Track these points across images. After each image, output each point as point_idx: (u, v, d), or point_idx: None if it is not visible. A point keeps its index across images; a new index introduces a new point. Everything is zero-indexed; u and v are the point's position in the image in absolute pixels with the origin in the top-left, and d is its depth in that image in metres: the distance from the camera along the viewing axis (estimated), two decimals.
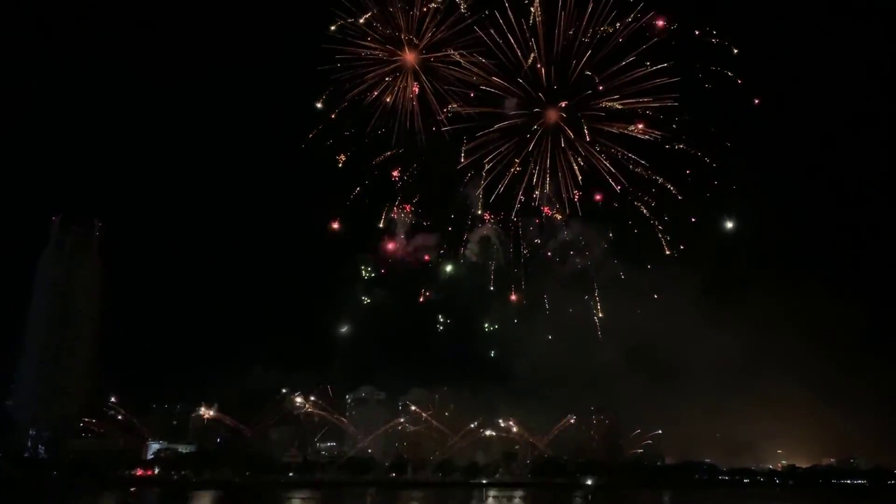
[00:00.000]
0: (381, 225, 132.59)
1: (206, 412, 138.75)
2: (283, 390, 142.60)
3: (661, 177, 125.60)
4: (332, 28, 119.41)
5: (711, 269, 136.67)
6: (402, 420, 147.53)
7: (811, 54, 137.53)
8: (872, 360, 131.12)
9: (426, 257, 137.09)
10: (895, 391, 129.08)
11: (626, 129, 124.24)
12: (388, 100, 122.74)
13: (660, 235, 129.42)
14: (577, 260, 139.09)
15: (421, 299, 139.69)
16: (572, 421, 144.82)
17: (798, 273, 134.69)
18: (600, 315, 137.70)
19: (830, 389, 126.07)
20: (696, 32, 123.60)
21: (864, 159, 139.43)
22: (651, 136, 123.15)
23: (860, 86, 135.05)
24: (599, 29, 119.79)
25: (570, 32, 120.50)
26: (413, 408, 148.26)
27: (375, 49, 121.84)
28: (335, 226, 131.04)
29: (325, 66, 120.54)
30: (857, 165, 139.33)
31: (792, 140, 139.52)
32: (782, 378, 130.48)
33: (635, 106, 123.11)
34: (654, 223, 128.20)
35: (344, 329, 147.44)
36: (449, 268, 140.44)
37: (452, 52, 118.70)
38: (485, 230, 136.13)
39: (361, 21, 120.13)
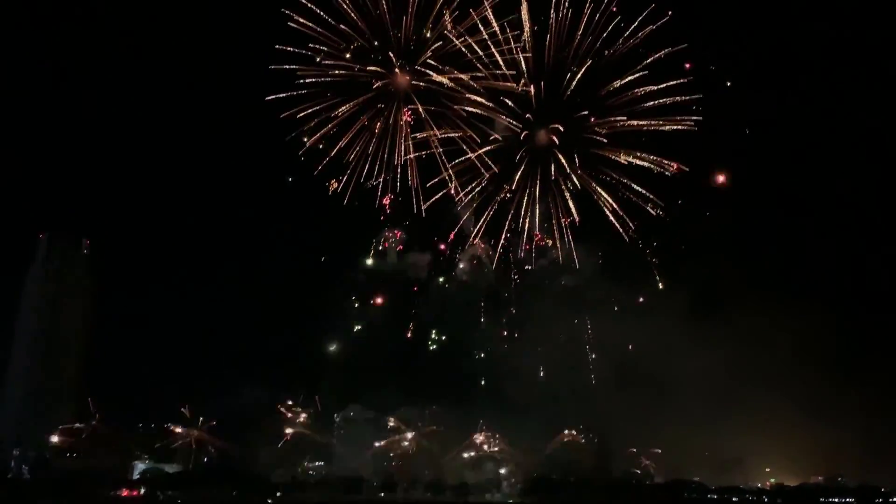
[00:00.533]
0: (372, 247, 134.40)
1: (194, 431, 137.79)
2: (273, 409, 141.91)
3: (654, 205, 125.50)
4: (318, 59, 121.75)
5: (698, 286, 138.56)
6: (392, 439, 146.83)
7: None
8: (858, 376, 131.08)
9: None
10: (880, 408, 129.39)
11: (625, 156, 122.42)
12: (378, 125, 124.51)
13: (649, 258, 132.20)
14: (567, 278, 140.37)
15: (409, 334, 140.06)
16: (566, 439, 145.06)
17: (784, 289, 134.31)
18: (589, 333, 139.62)
19: (817, 406, 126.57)
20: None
21: (851, 180, 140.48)
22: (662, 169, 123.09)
23: (855, 112, 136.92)
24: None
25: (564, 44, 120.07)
26: (402, 426, 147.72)
27: (362, 74, 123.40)
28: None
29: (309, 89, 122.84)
30: (843, 185, 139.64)
31: (777, 157, 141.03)
32: (770, 395, 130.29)
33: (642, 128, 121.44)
34: (642, 247, 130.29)
35: (333, 348, 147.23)
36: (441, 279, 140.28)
37: (445, 76, 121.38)
38: (476, 250, 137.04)
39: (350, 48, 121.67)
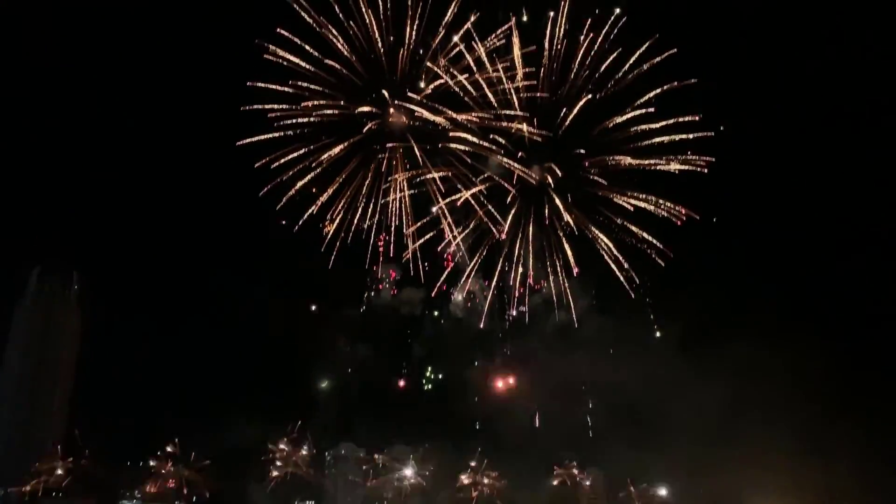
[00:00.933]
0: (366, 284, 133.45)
1: (185, 471, 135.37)
2: (263, 447, 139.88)
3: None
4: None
5: (692, 319, 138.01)
6: (385, 478, 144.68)
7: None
8: (853, 410, 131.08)
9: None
10: (874, 441, 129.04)
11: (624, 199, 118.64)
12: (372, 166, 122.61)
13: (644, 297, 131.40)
14: (562, 317, 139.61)
15: (402, 383, 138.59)
16: (562, 476, 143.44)
17: (777, 322, 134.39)
18: (585, 370, 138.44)
19: (813, 439, 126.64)
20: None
21: (845, 214, 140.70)
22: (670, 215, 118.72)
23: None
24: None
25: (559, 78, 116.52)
26: (396, 464, 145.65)
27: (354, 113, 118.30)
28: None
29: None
30: (839, 218, 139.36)
31: (774, 192, 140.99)
32: (766, 429, 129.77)
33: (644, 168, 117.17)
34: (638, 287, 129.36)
35: (324, 385, 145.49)
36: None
37: (440, 116, 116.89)
38: (470, 286, 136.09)
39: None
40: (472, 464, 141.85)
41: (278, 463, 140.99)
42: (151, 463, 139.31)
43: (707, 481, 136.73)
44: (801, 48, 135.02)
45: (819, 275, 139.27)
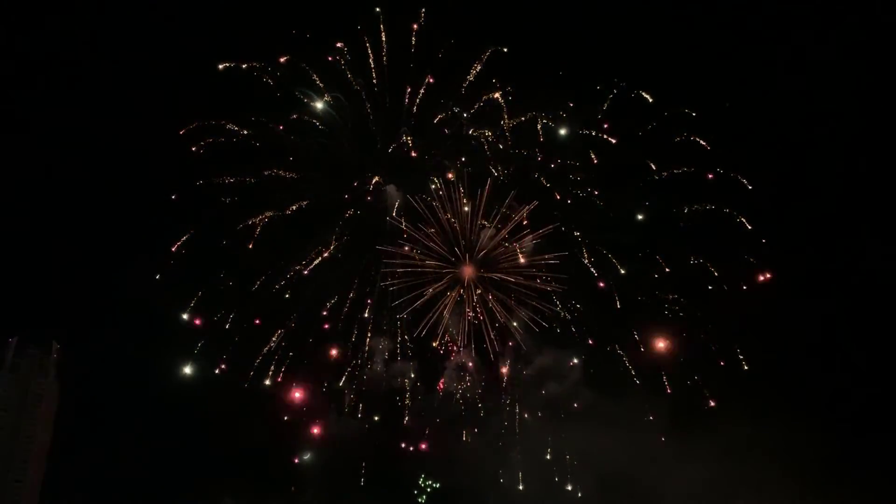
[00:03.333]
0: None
1: None
2: None
3: None
4: None
5: (679, 394, 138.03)
6: None
7: None
8: (841, 487, 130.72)
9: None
10: None
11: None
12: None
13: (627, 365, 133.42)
14: (548, 387, 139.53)
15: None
16: None
17: (764, 398, 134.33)
18: (572, 443, 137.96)
19: None
20: None
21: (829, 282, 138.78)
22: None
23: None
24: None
25: None
26: None
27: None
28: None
29: None
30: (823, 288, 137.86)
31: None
32: None
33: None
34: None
35: (307, 457, 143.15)
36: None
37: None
38: (461, 359, 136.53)
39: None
40: None
41: None
42: None
43: None
44: None
45: (806, 351, 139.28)
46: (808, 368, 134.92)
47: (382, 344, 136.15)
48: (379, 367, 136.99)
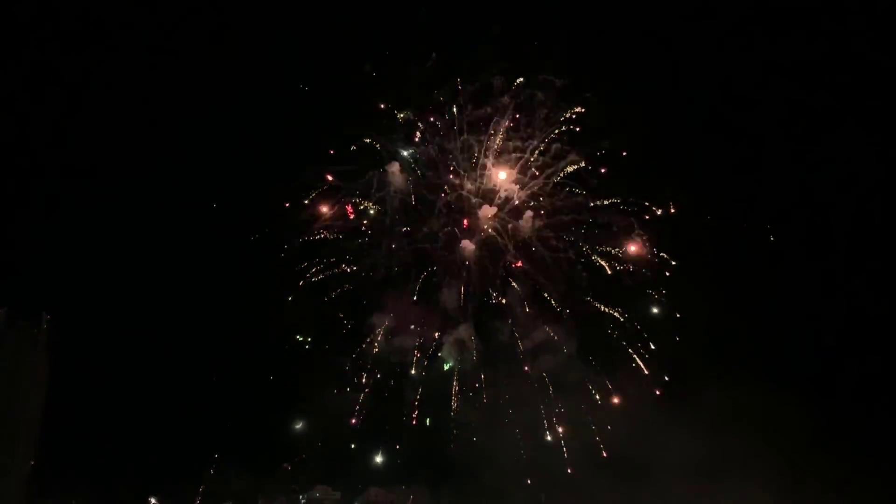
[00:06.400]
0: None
1: None
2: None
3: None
4: None
5: (668, 368, 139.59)
6: None
7: None
8: (828, 459, 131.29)
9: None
10: (849, 490, 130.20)
11: None
12: None
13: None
14: (543, 360, 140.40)
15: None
16: None
17: (750, 371, 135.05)
18: (564, 416, 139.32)
19: (789, 490, 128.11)
20: None
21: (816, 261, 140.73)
22: None
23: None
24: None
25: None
26: None
27: None
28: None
29: None
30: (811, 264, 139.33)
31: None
32: (743, 481, 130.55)
33: None
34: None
35: (299, 426, 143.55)
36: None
37: None
38: (460, 332, 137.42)
39: None
40: None
41: None
42: None
43: None
44: None
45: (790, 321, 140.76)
46: (794, 340, 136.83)
47: None
48: None
